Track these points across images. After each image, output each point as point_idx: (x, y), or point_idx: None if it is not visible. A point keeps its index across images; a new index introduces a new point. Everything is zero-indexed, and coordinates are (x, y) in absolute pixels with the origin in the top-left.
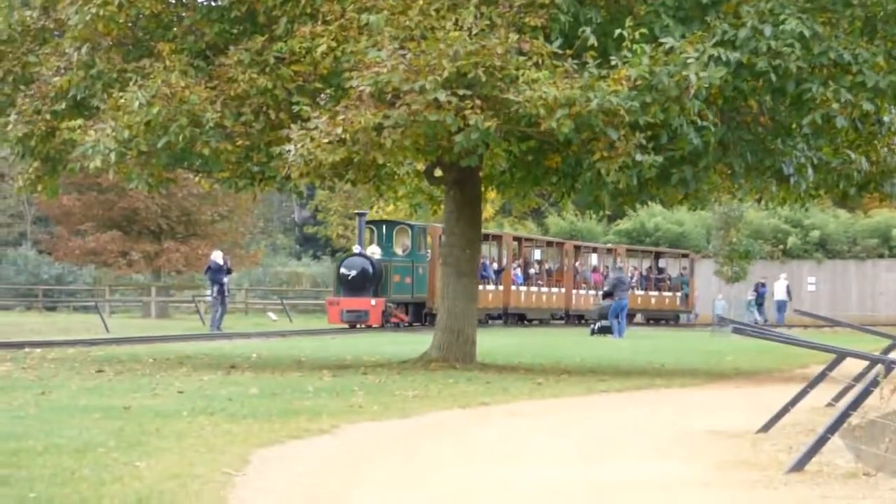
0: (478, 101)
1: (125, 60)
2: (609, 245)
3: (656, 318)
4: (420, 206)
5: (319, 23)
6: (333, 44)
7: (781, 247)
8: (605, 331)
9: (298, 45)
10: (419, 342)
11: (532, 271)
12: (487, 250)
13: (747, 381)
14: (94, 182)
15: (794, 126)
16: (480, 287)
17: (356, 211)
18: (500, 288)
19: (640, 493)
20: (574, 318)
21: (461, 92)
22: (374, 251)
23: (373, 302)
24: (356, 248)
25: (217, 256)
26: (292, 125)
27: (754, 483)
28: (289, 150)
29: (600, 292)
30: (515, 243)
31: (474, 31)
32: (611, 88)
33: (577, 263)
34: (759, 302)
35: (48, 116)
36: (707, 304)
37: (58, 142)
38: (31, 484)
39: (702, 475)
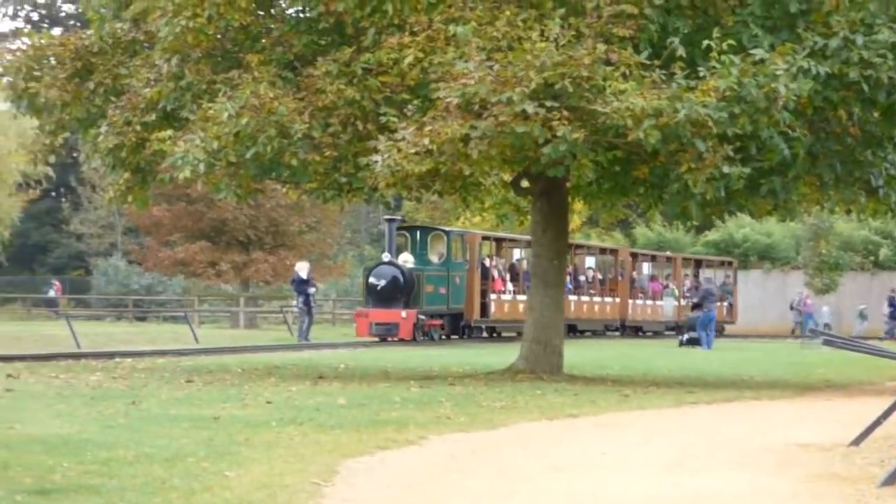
0: (565, 112)
1: (214, 72)
2: (668, 253)
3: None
4: (506, 217)
5: (407, 34)
6: (421, 55)
7: (872, 258)
8: (694, 342)
9: (386, 56)
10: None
11: (582, 279)
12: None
13: (838, 393)
14: (184, 193)
15: (884, 137)
16: (523, 298)
17: (386, 217)
18: None
19: None
20: (630, 330)
21: (548, 103)
22: (407, 259)
23: (403, 314)
24: (385, 256)
25: (301, 269)
26: (380, 136)
27: (846, 497)
28: (376, 161)
29: (671, 302)
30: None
31: (561, 42)
32: (699, 99)
33: (634, 272)
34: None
35: (138, 128)
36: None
37: (148, 153)
38: (122, 493)
39: (791, 488)
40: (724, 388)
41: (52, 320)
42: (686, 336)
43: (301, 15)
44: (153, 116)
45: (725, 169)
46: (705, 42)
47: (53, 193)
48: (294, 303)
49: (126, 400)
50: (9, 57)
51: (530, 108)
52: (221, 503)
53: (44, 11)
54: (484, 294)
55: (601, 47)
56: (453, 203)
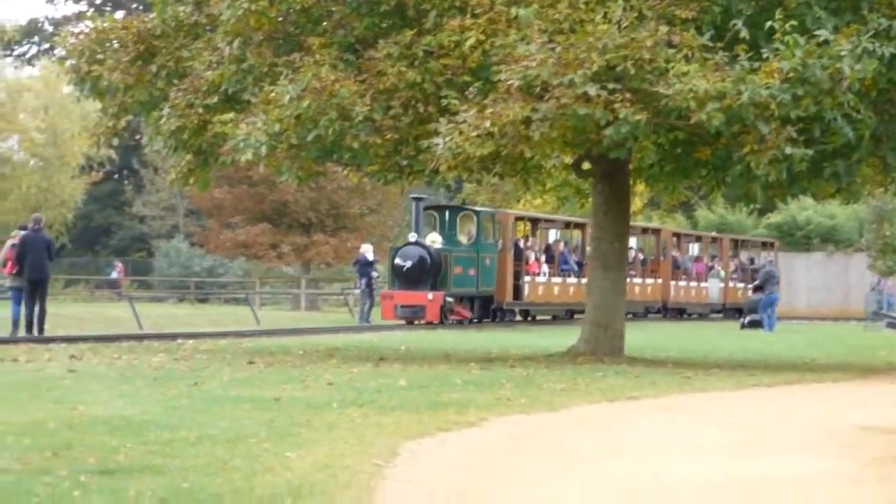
0: (627, 95)
1: (276, 55)
2: (713, 234)
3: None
4: (567, 199)
5: (468, 16)
6: (482, 37)
7: None
8: (755, 325)
9: (447, 39)
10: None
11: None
12: (570, 239)
13: None
14: (245, 175)
15: None
16: (559, 280)
17: (412, 195)
18: (584, 280)
19: (791, 487)
20: (673, 312)
21: (610, 85)
22: (435, 240)
23: (430, 296)
24: (412, 237)
25: (367, 251)
26: (441, 119)
27: None
28: (437, 144)
29: (749, 286)
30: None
31: (624, 24)
32: (762, 81)
33: (676, 253)
34: None
35: (200, 110)
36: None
37: (210, 135)
38: (185, 474)
39: (855, 471)
40: (786, 370)
41: (115, 302)
42: (748, 318)
43: None
44: (215, 99)
45: (788, 151)
46: (768, 23)
47: (116, 176)
48: (355, 285)
49: (188, 381)
50: (72, 40)
51: (592, 90)
52: (283, 484)
53: None
54: (517, 276)
55: (663, 29)
56: (514, 186)
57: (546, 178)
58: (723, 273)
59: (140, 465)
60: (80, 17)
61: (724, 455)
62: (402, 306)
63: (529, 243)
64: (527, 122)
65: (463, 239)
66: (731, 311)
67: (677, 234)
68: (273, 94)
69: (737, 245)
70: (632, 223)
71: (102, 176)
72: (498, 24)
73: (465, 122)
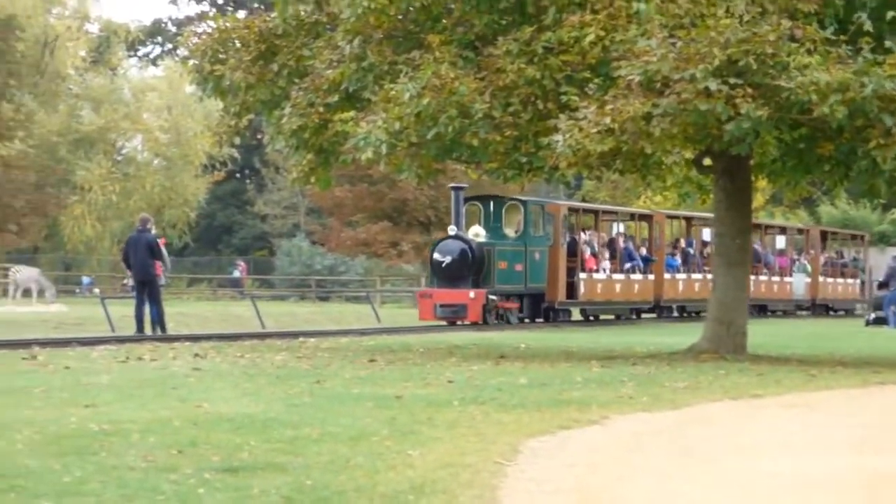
0: (749, 89)
1: (396, 53)
2: (799, 226)
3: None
4: (688, 195)
5: (588, 12)
6: (602, 33)
7: None
8: (881, 321)
9: (567, 35)
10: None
11: (693, 254)
12: (637, 232)
13: None
14: (365, 173)
15: None
16: (621, 277)
17: (452, 185)
18: (650, 277)
19: None
20: (753, 310)
21: (732, 80)
22: (478, 233)
23: (471, 294)
24: (451, 230)
25: None
26: (560, 115)
27: None
28: (557, 141)
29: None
30: (676, 223)
31: (746, 19)
32: (886, 73)
33: (758, 246)
34: None
35: (321, 109)
36: None
37: (330, 134)
38: (308, 471)
39: None
40: None
41: (238, 300)
42: (873, 315)
43: None
44: (336, 98)
45: None
46: (890, 14)
47: (238, 175)
48: None
49: (310, 379)
50: (195, 40)
51: (713, 85)
52: (405, 482)
53: None
54: (571, 272)
55: (786, 23)
56: (634, 182)
57: (667, 175)
58: (809, 267)
59: (264, 463)
60: (202, 17)
61: (849, 453)
62: (442, 305)
63: (588, 237)
64: (647, 117)
65: (510, 232)
66: (819, 308)
67: (759, 226)
68: (393, 93)
69: (825, 237)
70: (705, 214)
71: (225, 175)
72: (618, 20)
73: (584, 118)
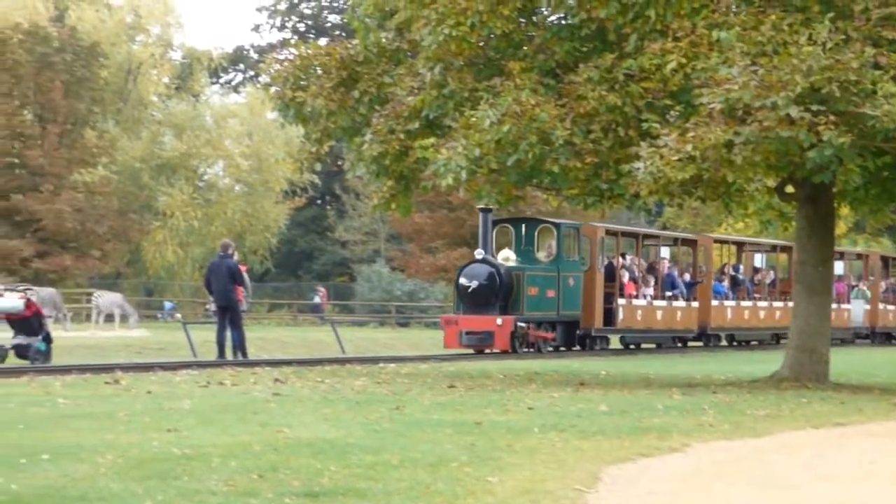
0: (831, 117)
1: (476, 80)
2: (857, 251)
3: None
4: (770, 223)
5: (670, 39)
6: (684, 60)
7: None
8: None
9: (648, 62)
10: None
11: (742, 279)
12: (676, 257)
13: None
14: (445, 200)
15: None
16: (663, 304)
17: (480, 206)
18: (694, 304)
19: None
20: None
21: (814, 107)
22: (508, 256)
23: (499, 321)
24: (479, 253)
25: None
26: (641, 142)
27: None
28: (638, 168)
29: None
30: (725, 248)
31: (829, 46)
32: None
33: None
34: None
35: (402, 136)
36: None
37: (411, 160)
38: (388, 497)
39: None
40: None
41: (318, 326)
42: None
43: (563, 22)
44: (416, 124)
45: None
46: None
47: (319, 201)
48: None
49: (390, 405)
50: (277, 67)
51: (795, 112)
52: None
53: (310, 22)
54: (609, 298)
55: (870, 51)
56: (715, 209)
57: (748, 202)
58: (869, 294)
59: (344, 488)
60: (284, 44)
61: None
62: (468, 333)
63: (627, 262)
64: (729, 145)
65: (542, 256)
66: (879, 336)
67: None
68: (473, 119)
69: (887, 263)
70: (759, 240)
71: (305, 201)
72: (699, 47)
73: (666, 145)
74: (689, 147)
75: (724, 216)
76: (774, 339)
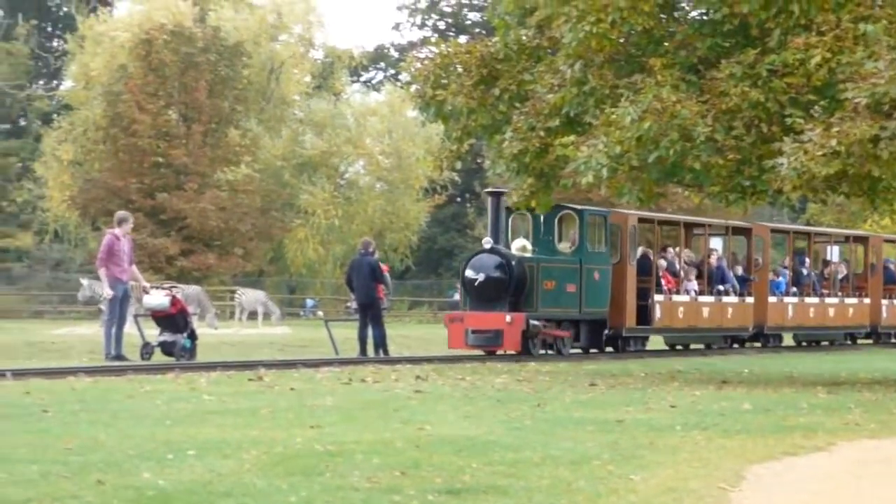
0: None
1: (617, 76)
2: None
3: None
4: None
5: (814, 34)
6: (828, 55)
7: None
8: None
9: (792, 57)
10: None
11: (807, 274)
12: (727, 248)
13: None
14: (585, 197)
15: None
16: (710, 300)
17: (489, 189)
18: (749, 300)
19: None
20: (884, 338)
21: None
22: (524, 246)
23: (508, 318)
24: (486, 242)
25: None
26: (785, 138)
27: None
28: (781, 164)
29: None
30: (791, 238)
31: None
32: None
33: (892, 265)
34: None
35: (542, 133)
36: None
37: (551, 158)
38: (530, 494)
39: None
40: None
41: None
42: None
43: (705, 17)
44: (556, 122)
45: None
46: None
47: (458, 199)
48: None
49: (531, 402)
50: (417, 65)
51: None
52: None
53: (450, 20)
54: (644, 294)
55: None
56: (860, 206)
57: (894, 198)
58: None
59: (486, 486)
60: (424, 42)
61: None
62: (474, 331)
63: (670, 254)
64: (875, 140)
65: (564, 246)
66: None
67: (893, 241)
68: (614, 116)
69: None
70: (830, 230)
71: (445, 199)
72: (844, 42)
73: (810, 140)
74: (833, 142)
75: (870, 212)
76: (846, 337)
